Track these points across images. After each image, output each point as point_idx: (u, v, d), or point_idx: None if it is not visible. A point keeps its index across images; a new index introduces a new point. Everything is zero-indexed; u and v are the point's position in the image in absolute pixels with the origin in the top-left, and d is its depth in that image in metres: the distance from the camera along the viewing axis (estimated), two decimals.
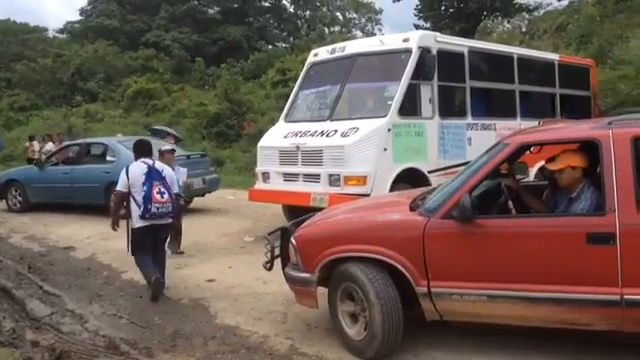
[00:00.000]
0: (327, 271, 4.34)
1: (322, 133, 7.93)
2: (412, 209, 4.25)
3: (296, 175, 8.11)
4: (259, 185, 8.68)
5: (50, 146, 17.66)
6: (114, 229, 6.12)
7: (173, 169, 7.32)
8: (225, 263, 7.24)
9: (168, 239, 6.66)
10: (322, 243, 4.35)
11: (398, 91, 7.77)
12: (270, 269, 4.94)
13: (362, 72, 8.58)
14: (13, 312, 5.49)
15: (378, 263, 4.06)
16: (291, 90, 10.20)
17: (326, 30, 44.23)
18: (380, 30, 49.47)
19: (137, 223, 5.90)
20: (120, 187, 6.01)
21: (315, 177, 7.80)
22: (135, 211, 5.88)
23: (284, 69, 26.12)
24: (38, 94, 37.90)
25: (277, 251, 4.92)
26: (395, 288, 4.00)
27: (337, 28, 46.08)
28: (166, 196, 5.88)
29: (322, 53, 9.29)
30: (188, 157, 10.89)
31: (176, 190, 6.27)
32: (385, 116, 7.67)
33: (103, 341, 4.58)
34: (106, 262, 7.47)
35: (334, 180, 7.55)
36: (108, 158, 11.43)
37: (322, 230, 4.62)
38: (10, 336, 4.77)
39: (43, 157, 17.41)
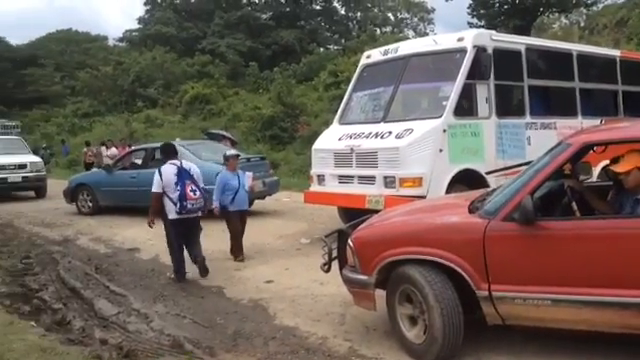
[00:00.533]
0: (385, 273, 4.34)
1: (376, 135, 7.93)
2: (471, 211, 4.19)
3: (351, 177, 8.14)
4: (314, 187, 8.75)
5: (114, 151, 18.36)
6: (150, 226, 6.89)
7: (237, 174, 7.69)
8: (282, 265, 7.34)
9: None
10: (380, 245, 4.35)
11: (453, 91, 7.69)
12: (328, 271, 4.98)
13: (416, 73, 8.52)
14: (82, 311, 5.75)
15: (437, 266, 4.03)
16: (344, 92, 10.22)
17: (378, 31, 44.07)
18: (432, 30, 49.01)
19: (173, 217, 6.66)
20: (155, 188, 6.75)
21: (370, 179, 7.80)
22: (171, 208, 6.61)
23: (336, 71, 26.22)
24: (100, 101, 39.47)
25: (334, 253, 4.96)
26: (455, 291, 3.96)
27: (389, 29, 45.92)
28: (198, 193, 6.64)
29: (375, 54, 9.28)
30: (248, 160, 11.14)
31: (202, 185, 6.83)
32: (440, 117, 7.59)
33: (168, 340, 4.73)
34: (168, 263, 7.64)
35: (389, 182, 7.53)
36: None
37: (380, 232, 4.62)
38: (80, 334, 5.01)
39: (109, 162, 18.22)
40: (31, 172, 16.03)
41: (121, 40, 52.08)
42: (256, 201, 11.55)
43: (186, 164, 6.87)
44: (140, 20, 48.79)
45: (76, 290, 6.38)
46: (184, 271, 6.84)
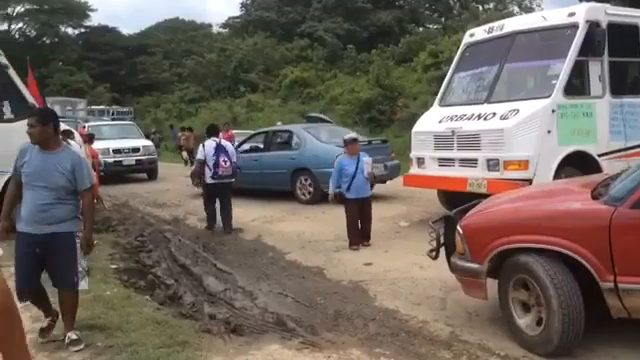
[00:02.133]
0: (497, 261, 4.17)
1: (479, 116, 7.70)
2: (595, 197, 3.93)
3: (452, 160, 7.97)
4: (414, 170, 8.65)
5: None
6: (194, 185, 9.45)
7: (356, 158, 7.44)
8: (381, 247, 7.34)
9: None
10: (492, 232, 4.18)
11: (563, 69, 7.31)
12: (436, 258, 4.89)
13: (523, 51, 8.18)
14: (192, 287, 6.07)
15: (556, 255, 3.81)
16: (444, 73, 10.00)
17: (480, 8, 42.39)
18: (539, 5, 46.27)
19: (209, 181, 8.85)
20: (199, 156, 8.98)
21: (472, 162, 7.60)
22: (208, 174, 8.79)
23: (436, 51, 25.56)
24: (205, 87, 41.12)
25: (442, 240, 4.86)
26: (577, 283, 3.73)
27: (492, 5, 43.93)
28: (228, 164, 8.79)
29: (479, 33, 8.98)
30: (369, 142, 11.02)
31: (234, 160, 8.99)
32: (549, 96, 7.27)
33: (272, 317, 4.89)
34: (270, 243, 7.94)
35: (493, 165, 7.30)
36: (294, 145, 11.84)
37: (492, 219, 4.44)
38: (191, 309, 5.29)
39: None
40: (144, 155, 17.07)
41: (224, 27, 53.81)
42: (376, 185, 11.41)
43: (224, 142, 9.19)
44: (242, 6, 50.14)
45: (186, 267, 6.74)
46: (214, 222, 8.99)
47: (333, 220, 9.33)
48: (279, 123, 19.70)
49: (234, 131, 20.39)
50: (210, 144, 8.89)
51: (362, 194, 7.46)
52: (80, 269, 4.17)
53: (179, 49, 51.84)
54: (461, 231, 4.39)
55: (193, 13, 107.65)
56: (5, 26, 51.78)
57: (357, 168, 7.37)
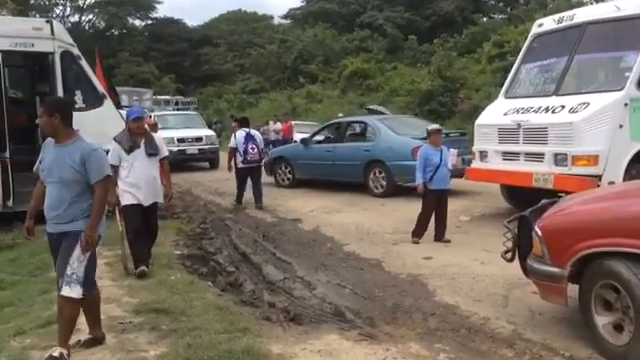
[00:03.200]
0: (579, 265, 3.92)
1: (547, 109, 7.48)
2: None
3: (517, 154, 7.79)
4: (476, 164, 8.49)
5: (278, 126, 19.29)
6: (229, 170, 10.69)
7: (440, 149, 7.27)
8: (441, 241, 7.24)
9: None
10: (575, 234, 3.92)
11: (637, 61, 7.02)
12: (512, 260, 4.67)
13: (594, 41, 7.88)
14: (252, 275, 6.19)
15: None
16: (509, 64, 9.75)
17: None
18: None
19: (240, 166, 10.31)
20: (231, 144, 10.43)
21: (538, 156, 7.40)
22: (239, 159, 10.26)
23: (502, 42, 24.81)
24: (266, 78, 41.57)
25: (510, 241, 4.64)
26: None
27: None
28: (255, 150, 10.22)
29: (548, 23, 8.68)
30: (447, 135, 10.03)
31: (262, 147, 10.54)
32: (621, 89, 7.00)
33: (330, 308, 4.92)
34: (329, 234, 7.98)
35: (560, 159, 7.08)
36: (368, 136, 11.65)
37: (575, 219, 4.15)
38: (251, 297, 5.39)
39: (274, 136, 19.17)
40: (206, 145, 17.46)
41: (285, 18, 54.26)
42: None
43: (253, 131, 10.60)
44: None
45: (246, 255, 6.87)
46: (241, 200, 10.64)
47: (392, 212, 9.31)
48: (340, 115, 19.67)
49: (294, 122, 20.65)
50: (240, 134, 10.30)
51: (443, 186, 7.27)
52: (70, 272, 3.63)
53: (241, 41, 52.59)
54: (540, 232, 4.12)
55: (255, 5, 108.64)
56: (76, 18, 54.03)
57: (441, 160, 7.18)
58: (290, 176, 12.81)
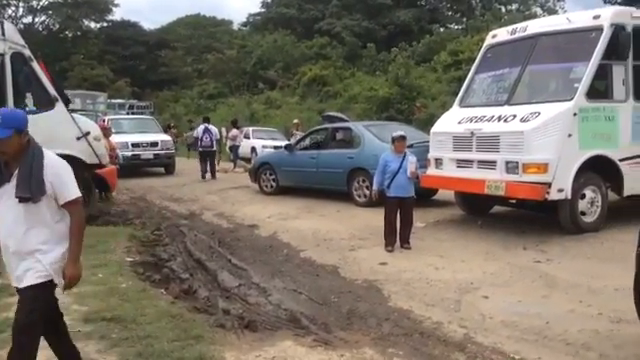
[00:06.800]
0: None
1: (499, 118, 7.64)
2: None
3: (470, 162, 7.92)
4: (431, 171, 8.60)
5: (234, 132, 19.18)
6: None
7: (402, 156, 7.23)
8: (396, 247, 7.30)
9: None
10: None
11: (587, 72, 7.25)
12: None
13: (545, 53, 8.10)
14: (207, 282, 6.09)
15: None
16: (464, 73, 9.92)
17: (502, 9, 42.00)
18: (563, 7, 45.64)
19: (200, 150, 15.89)
20: (195, 135, 16.80)
21: (491, 164, 7.55)
22: (199, 145, 15.96)
23: (457, 51, 25.39)
24: (224, 83, 41.30)
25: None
26: None
27: (514, 6, 43.49)
28: (209, 140, 15.71)
29: (501, 34, 8.91)
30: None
31: (216, 137, 16.54)
32: (571, 99, 7.21)
33: (285, 314, 4.89)
34: (285, 240, 7.95)
35: (511, 167, 7.24)
36: (352, 143, 11.21)
37: None
38: (205, 303, 5.30)
39: (229, 143, 19.12)
40: (162, 150, 17.18)
41: (245, 24, 54.02)
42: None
43: (210, 126, 16.28)
44: (263, 4, 50.26)
45: (201, 262, 6.77)
46: (204, 175, 15.50)
47: (348, 218, 9.34)
48: (296, 121, 19.72)
49: (252, 128, 20.67)
50: (201, 128, 16.25)
51: (402, 193, 7.20)
52: None
53: (199, 45, 52.11)
54: None
55: (214, 9, 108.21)
56: (29, 19, 52.52)
57: (401, 166, 7.15)
58: (274, 183, 12.44)
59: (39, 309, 3.08)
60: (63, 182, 3.08)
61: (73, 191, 3.11)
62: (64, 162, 3.15)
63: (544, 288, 5.47)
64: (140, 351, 3.84)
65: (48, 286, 3.13)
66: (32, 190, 2.98)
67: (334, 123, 12.63)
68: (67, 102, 9.17)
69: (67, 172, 3.13)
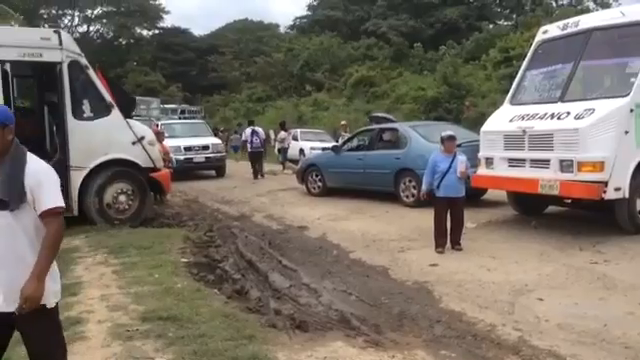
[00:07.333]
0: None
1: (552, 115, 7.47)
2: None
3: (522, 160, 7.77)
4: (482, 171, 8.46)
5: (283, 134, 19.37)
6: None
7: (453, 156, 7.16)
8: (447, 248, 7.22)
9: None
10: None
11: None
12: None
13: (599, 48, 7.89)
14: (258, 282, 6.18)
15: None
16: (515, 70, 9.72)
17: (553, 4, 40.91)
18: (616, 0, 44.16)
19: (249, 151, 17.17)
20: (243, 138, 18.90)
21: (544, 162, 7.38)
22: (249, 147, 17.22)
23: (507, 48, 24.85)
24: (272, 86, 41.74)
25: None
26: None
27: (566, 1, 42.31)
28: (258, 141, 16.93)
29: (553, 29, 8.69)
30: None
31: (263, 137, 17.71)
32: (627, 95, 6.98)
33: (336, 315, 4.91)
34: (335, 242, 7.97)
35: (566, 166, 7.06)
36: (399, 143, 11.19)
37: None
38: (257, 304, 5.38)
39: (278, 145, 19.38)
40: (213, 153, 17.53)
41: (291, 27, 54.50)
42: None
43: (257, 128, 17.47)
44: (309, 7, 50.62)
45: (252, 263, 6.87)
46: (256, 176, 16.55)
47: (397, 219, 9.30)
48: (343, 122, 19.74)
49: (300, 129, 20.80)
50: (248, 131, 17.61)
51: (452, 193, 7.09)
52: None
53: (248, 49, 52.90)
54: None
55: (261, 14, 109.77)
56: (84, 28, 54.54)
57: (450, 166, 7.04)
58: (320, 184, 12.49)
59: None
60: (43, 188, 2.69)
61: (54, 199, 2.71)
62: (50, 168, 2.80)
63: (602, 290, 5.31)
64: (195, 350, 3.94)
65: None
66: (18, 195, 2.64)
67: (381, 124, 12.63)
68: (133, 104, 9.44)
69: (50, 178, 2.76)
